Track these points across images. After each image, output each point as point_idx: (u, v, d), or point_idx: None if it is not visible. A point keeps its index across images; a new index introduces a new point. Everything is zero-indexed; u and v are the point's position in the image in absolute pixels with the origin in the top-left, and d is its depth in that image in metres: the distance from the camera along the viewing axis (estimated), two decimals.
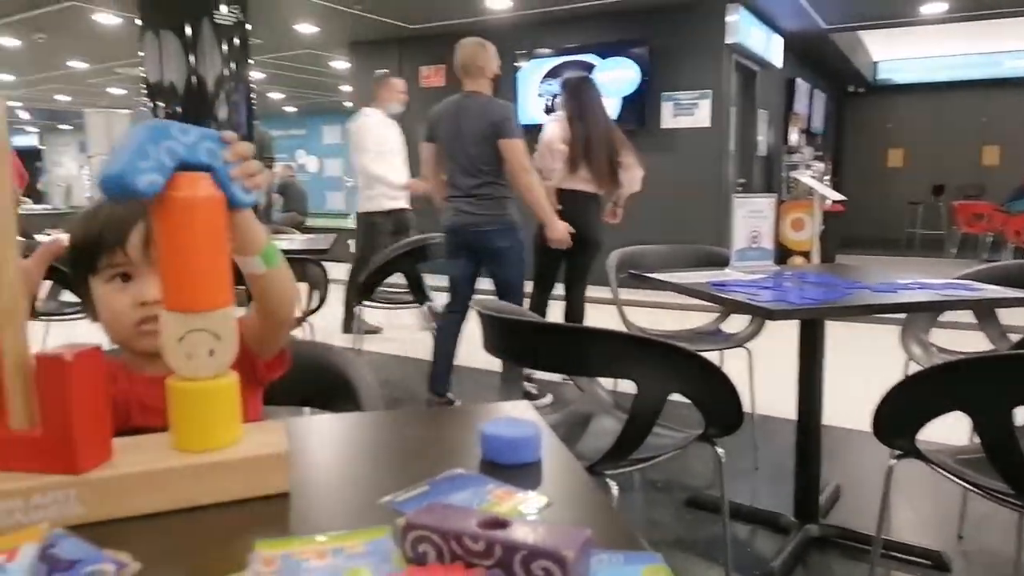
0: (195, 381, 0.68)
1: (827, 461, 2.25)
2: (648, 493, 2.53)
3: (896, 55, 10.75)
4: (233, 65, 6.18)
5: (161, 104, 6.13)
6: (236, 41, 6.18)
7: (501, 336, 1.57)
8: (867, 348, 3.86)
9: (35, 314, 3.39)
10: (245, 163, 0.70)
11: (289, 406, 1.22)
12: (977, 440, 1.38)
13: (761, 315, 1.86)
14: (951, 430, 1.61)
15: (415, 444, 0.85)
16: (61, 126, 19.66)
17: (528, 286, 3.48)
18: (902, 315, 2.49)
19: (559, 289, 3.73)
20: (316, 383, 1.21)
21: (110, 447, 0.66)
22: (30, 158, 21.99)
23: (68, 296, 3.60)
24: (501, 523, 0.54)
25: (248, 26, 6.28)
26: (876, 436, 1.49)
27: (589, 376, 1.82)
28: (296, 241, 4.28)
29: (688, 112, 6.48)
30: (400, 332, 4.62)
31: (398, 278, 3.87)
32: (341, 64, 9.57)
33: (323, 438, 0.89)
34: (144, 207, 0.89)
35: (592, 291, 4.94)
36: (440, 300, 3.62)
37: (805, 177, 7.20)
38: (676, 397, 1.45)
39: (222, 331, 0.68)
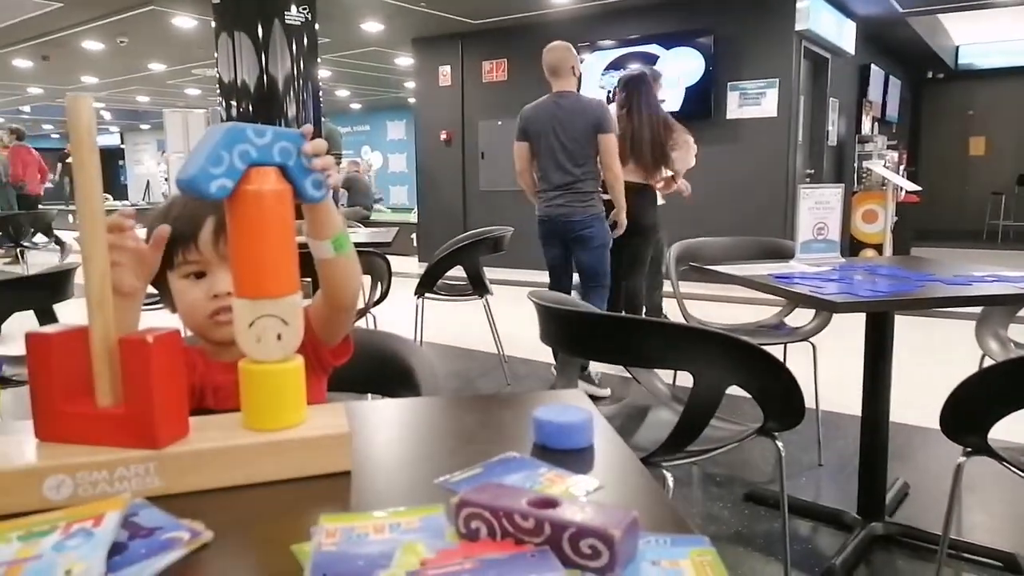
0: (264, 364, 0.72)
1: (893, 458, 2.19)
2: (706, 487, 2.51)
3: (979, 39, 10.22)
4: (302, 64, 6.37)
5: (234, 103, 6.38)
6: (305, 40, 6.37)
7: (558, 327, 1.58)
8: (939, 344, 3.71)
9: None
10: (320, 158, 0.74)
11: (352, 392, 1.27)
12: None
13: (825, 308, 1.83)
14: None
15: (470, 428, 0.88)
16: (141, 126, 20.56)
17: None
18: (977, 309, 2.39)
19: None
20: (378, 371, 1.25)
21: (187, 425, 0.70)
22: (112, 157, 23.13)
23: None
24: (551, 502, 0.56)
25: (316, 26, 6.45)
26: (945, 433, 1.45)
27: (646, 367, 1.82)
28: (360, 234, 4.38)
29: (755, 102, 6.33)
30: (461, 324, 4.68)
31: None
32: (405, 60, 9.71)
33: (383, 421, 0.92)
34: (213, 204, 0.95)
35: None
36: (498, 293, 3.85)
37: (878, 167, 6.95)
38: (740, 391, 1.44)
39: (289, 317, 0.72)
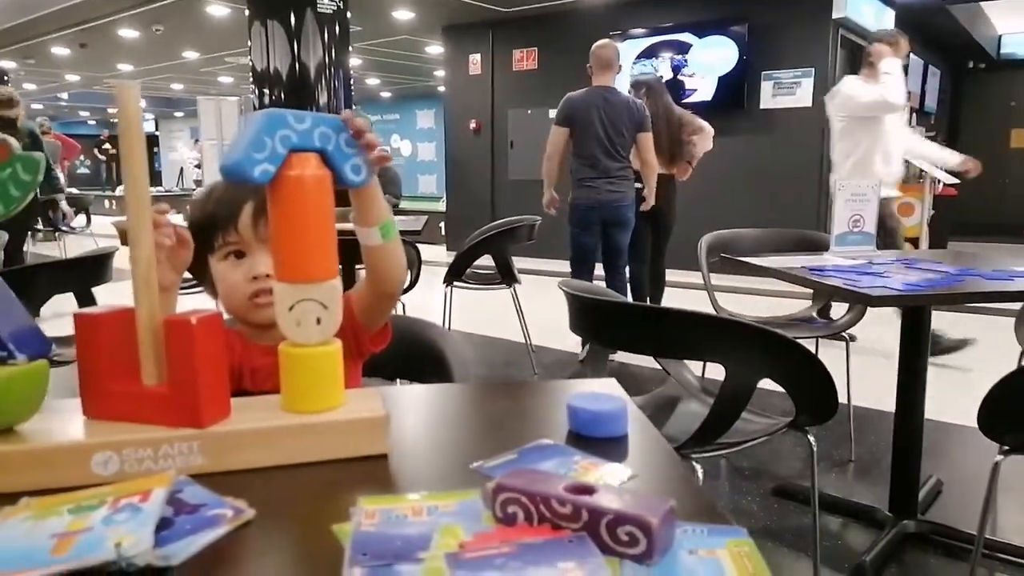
0: (303, 347, 0.73)
1: (927, 456, 2.16)
2: (734, 480, 2.49)
3: (1023, 27, 9.94)
4: (333, 52, 6.41)
5: (266, 91, 6.44)
6: (337, 29, 6.40)
7: (590, 317, 1.58)
8: (976, 340, 3.64)
9: None
10: (365, 137, 0.75)
11: (381, 378, 1.28)
12: None
13: (860, 301, 1.80)
14: None
15: (503, 415, 0.89)
16: (175, 113, 20.86)
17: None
18: (1017, 305, 2.34)
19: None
20: (409, 356, 1.26)
21: (228, 405, 0.72)
22: (147, 144, 23.47)
23: None
24: (588, 489, 0.57)
25: (348, 14, 6.48)
26: (982, 430, 1.42)
27: (677, 358, 1.81)
28: None
29: (789, 91, 6.23)
30: (488, 313, 4.69)
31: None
32: (435, 49, 9.72)
33: (416, 406, 0.93)
34: (253, 188, 0.96)
35: (680, 275, 4.87)
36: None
37: (915, 159, 6.80)
38: (770, 384, 1.42)
39: (329, 301, 0.73)
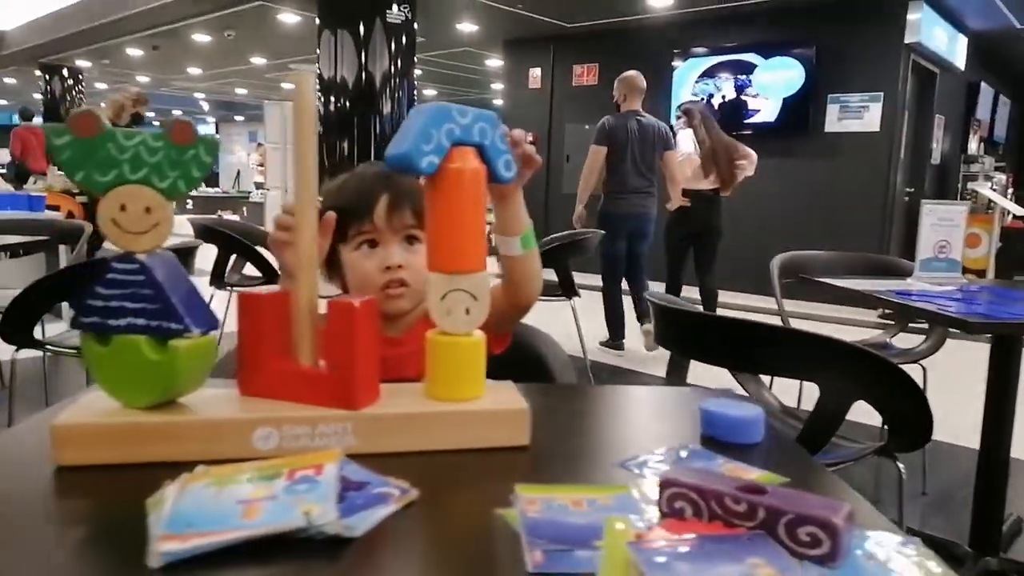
0: (451, 336, 0.74)
1: (1007, 492, 2.08)
2: None
3: None
4: (399, 62, 6.52)
5: (332, 99, 6.58)
6: (404, 39, 6.52)
7: (678, 329, 1.57)
8: None
9: (229, 285, 3.74)
10: (522, 147, 0.80)
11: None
12: None
13: (956, 327, 1.75)
14: None
15: (632, 416, 0.89)
16: (236, 117, 21.44)
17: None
18: None
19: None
20: (508, 359, 1.27)
21: (379, 389, 0.73)
22: None
23: (251, 270, 3.94)
24: (759, 489, 0.56)
25: (415, 24, 6.60)
26: None
27: (769, 374, 1.79)
28: None
29: (856, 115, 6.13)
30: (540, 325, 4.70)
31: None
32: (494, 62, 9.82)
33: (546, 404, 0.93)
34: (387, 181, 0.99)
35: (740, 298, 4.80)
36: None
37: (985, 189, 6.63)
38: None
39: (478, 292, 0.74)
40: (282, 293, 0.74)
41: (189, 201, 14.81)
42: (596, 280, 6.01)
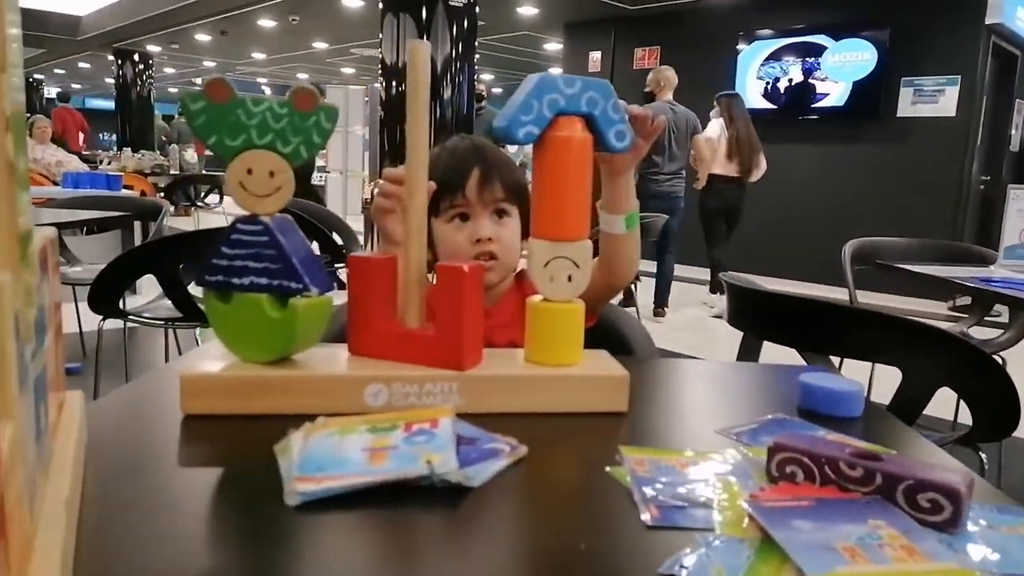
0: (553, 302, 0.76)
1: None
2: None
3: None
4: (460, 46, 6.54)
5: (394, 83, 6.65)
6: (465, 23, 6.54)
7: (755, 310, 1.56)
8: None
9: None
10: (642, 124, 0.84)
11: None
12: None
13: None
14: None
15: (726, 388, 0.89)
16: None
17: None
18: None
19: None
20: (592, 334, 1.28)
21: (482, 351, 0.76)
22: None
23: (314, 248, 4.03)
24: (872, 456, 0.57)
25: (477, 8, 6.60)
26: None
27: (849, 357, 1.76)
28: None
29: (931, 99, 5.90)
30: None
31: None
32: (553, 46, 9.77)
33: (636, 375, 0.95)
34: (478, 155, 1.01)
35: (806, 287, 4.69)
36: None
37: None
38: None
39: (581, 260, 0.75)
40: (390, 257, 0.76)
41: None
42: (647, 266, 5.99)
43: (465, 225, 1.02)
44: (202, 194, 7.95)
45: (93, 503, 0.51)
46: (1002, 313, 2.95)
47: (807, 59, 6.52)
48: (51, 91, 19.08)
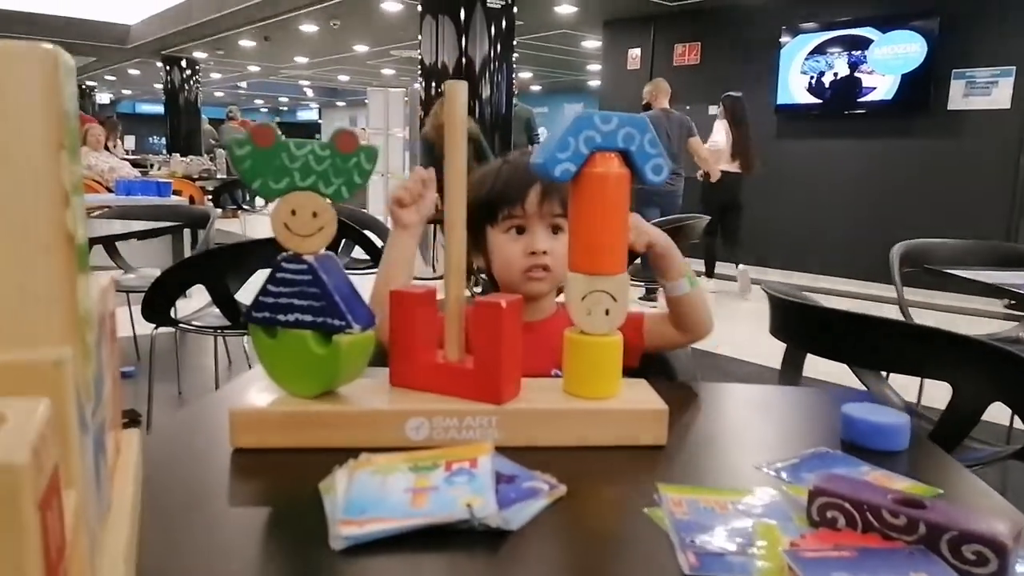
0: (590, 335, 0.76)
1: None
2: None
3: None
4: (499, 46, 6.56)
5: (433, 83, 6.70)
6: (504, 24, 6.55)
7: (797, 322, 1.54)
8: None
9: None
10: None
11: None
12: None
13: None
14: None
15: (766, 416, 0.89)
16: (338, 103, 22.14)
17: None
18: None
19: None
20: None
21: (520, 383, 0.77)
22: (311, 130, 25.19)
23: (358, 252, 4.09)
24: (917, 502, 0.56)
25: (515, 9, 6.61)
26: None
27: (897, 372, 1.72)
28: None
29: (983, 92, 5.71)
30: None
31: None
32: (591, 43, 9.72)
33: (676, 402, 0.95)
34: None
35: (855, 286, 4.56)
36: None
37: None
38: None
39: (619, 294, 0.76)
40: (431, 290, 0.78)
41: None
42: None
43: (521, 237, 1.04)
44: (248, 197, 8.12)
45: (149, 545, 0.54)
46: None
47: (853, 52, 6.36)
48: (103, 97, 19.71)
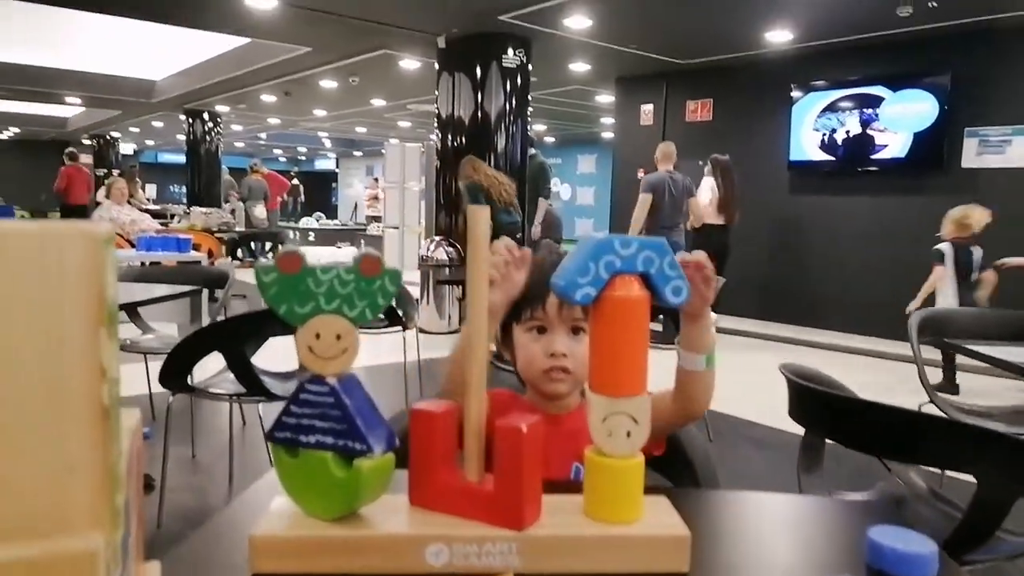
0: (611, 457, 0.76)
1: None
2: None
3: None
4: (514, 102, 6.69)
5: (449, 136, 6.82)
6: (519, 80, 6.68)
7: (814, 408, 1.52)
8: None
9: None
10: (704, 272, 0.86)
11: None
12: None
13: None
14: None
15: (788, 534, 0.87)
16: (354, 153, 22.53)
17: None
18: None
19: None
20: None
21: (541, 504, 0.76)
22: (327, 180, 25.60)
23: None
24: None
25: (530, 67, 6.75)
26: None
27: (917, 464, 1.70)
28: None
29: (997, 150, 5.73)
30: (663, 371, 4.64)
31: None
32: (605, 98, 9.87)
33: (693, 514, 0.93)
34: None
35: (871, 343, 4.48)
36: None
37: None
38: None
39: (640, 416, 0.75)
40: (452, 408, 0.78)
41: (311, 233, 15.66)
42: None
43: (542, 337, 1.05)
44: (266, 248, 8.22)
45: None
46: None
47: (864, 110, 6.43)
48: (127, 148, 20.18)
